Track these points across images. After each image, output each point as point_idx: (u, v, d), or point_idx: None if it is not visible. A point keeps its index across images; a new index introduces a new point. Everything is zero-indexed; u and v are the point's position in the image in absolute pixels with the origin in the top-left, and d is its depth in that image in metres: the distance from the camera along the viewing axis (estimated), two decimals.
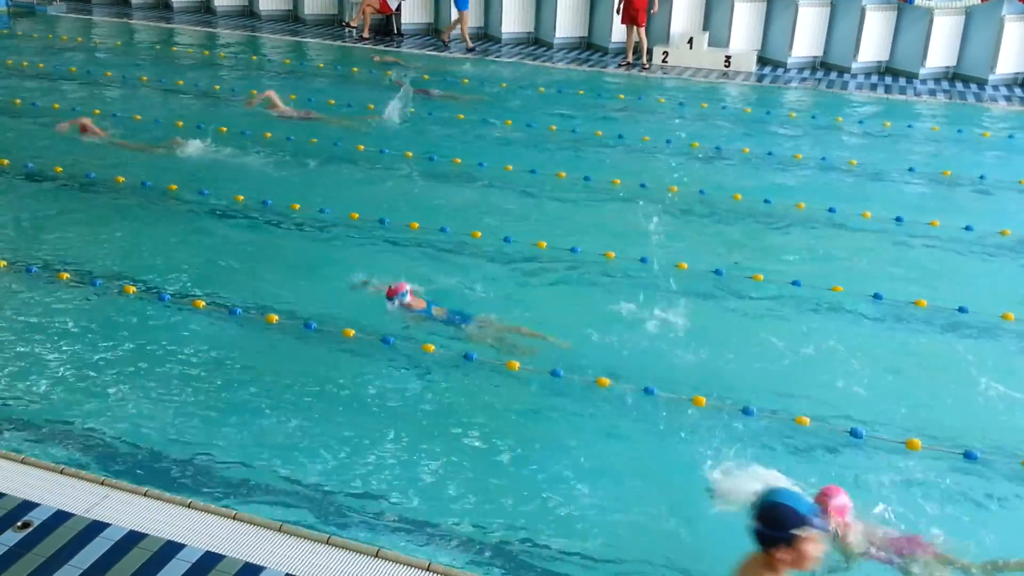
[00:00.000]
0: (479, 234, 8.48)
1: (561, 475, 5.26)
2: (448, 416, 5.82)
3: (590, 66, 15.69)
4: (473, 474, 5.26)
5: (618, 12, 15.55)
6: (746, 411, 5.90)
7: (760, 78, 15.17)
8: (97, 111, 11.75)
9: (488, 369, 6.33)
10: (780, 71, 15.61)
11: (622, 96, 13.83)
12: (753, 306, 7.46)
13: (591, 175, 10.15)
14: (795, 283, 7.67)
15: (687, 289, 7.58)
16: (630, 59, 15.63)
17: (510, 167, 10.32)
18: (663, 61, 15.80)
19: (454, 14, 16.67)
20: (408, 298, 6.82)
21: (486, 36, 17.65)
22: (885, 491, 5.19)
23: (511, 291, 7.57)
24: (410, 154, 10.67)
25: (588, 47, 16.97)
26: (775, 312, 7.35)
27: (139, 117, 11.67)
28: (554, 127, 12.00)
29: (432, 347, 6.48)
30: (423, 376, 6.26)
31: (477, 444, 5.55)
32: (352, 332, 6.64)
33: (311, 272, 7.76)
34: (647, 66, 15.42)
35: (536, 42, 17.34)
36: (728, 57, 15.60)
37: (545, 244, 8.30)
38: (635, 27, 15.30)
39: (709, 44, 15.96)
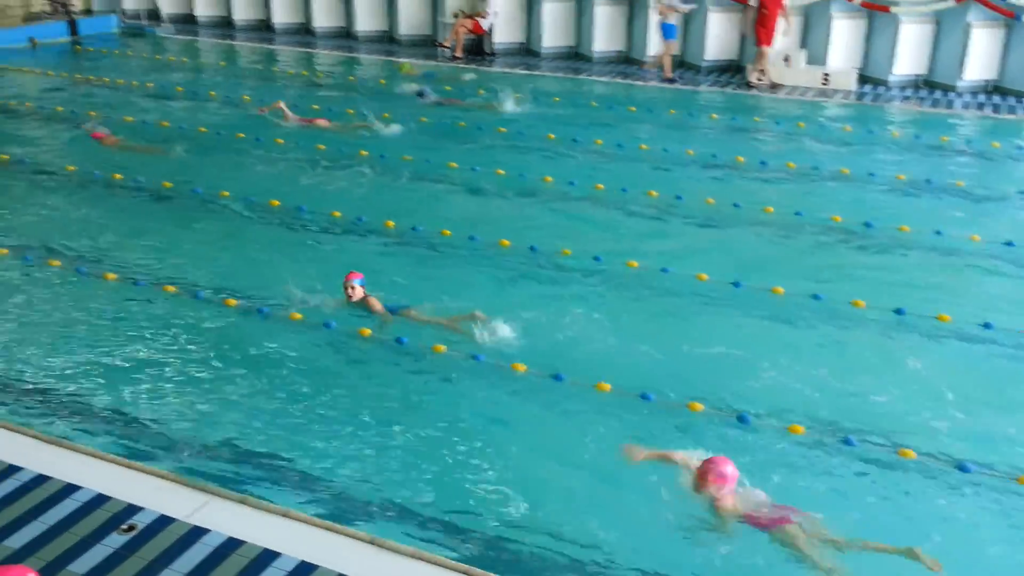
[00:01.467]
0: (569, 251, 8.45)
1: None
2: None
3: (682, 84, 15.54)
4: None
5: (750, 33, 15.15)
6: (847, 441, 5.72)
7: (860, 96, 14.76)
8: (203, 128, 12.20)
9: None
10: (881, 89, 15.15)
11: (715, 116, 13.65)
12: (853, 335, 7.22)
13: (683, 195, 10.02)
14: (899, 311, 7.40)
15: (780, 315, 7.41)
16: (764, 80, 15.29)
17: (601, 186, 10.28)
18: (758, 80, 15.54)
19: (660, 44, 15.92)
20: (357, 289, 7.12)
21: (577, 55, 17.68)
22: None
23: (611, 310, 7.52)
24: (501, 172, 10.74)
25: (682, 64, 16.83)
26: (878, 343, 7.10)
27: (242, 135, 12.05)
28: (645, 146, 11.92)
29: (523, 367, 6.47)
30: (506, 394, 6.25)
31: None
32: (443, 348, 6.69)
33: (412, 291, 7.84)
34: (763, 84, 15.18)
35: (626, 60, 17.29)
36: (826, 75, 15.23)
37: (637, 264, 8.22)
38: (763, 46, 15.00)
39: (807, 62, 15.62)
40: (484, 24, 17.59)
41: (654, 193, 10.07)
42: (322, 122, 12.63)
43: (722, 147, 11.91)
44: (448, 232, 8.85)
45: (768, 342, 7.02)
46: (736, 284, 7.83)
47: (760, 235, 9.16)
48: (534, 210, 9.79)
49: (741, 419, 5.94)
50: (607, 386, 6.26)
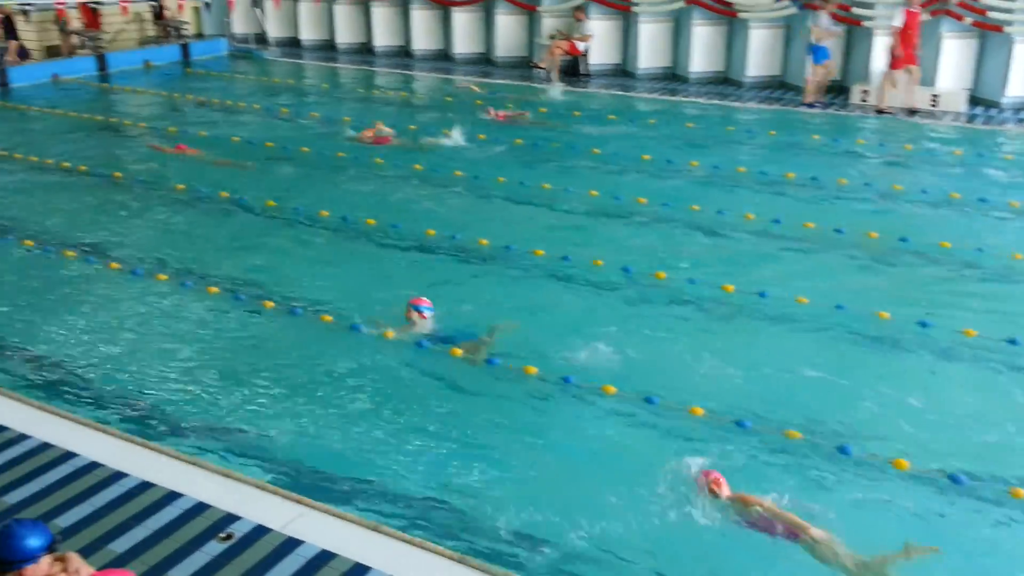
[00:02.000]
0: (663, 274, 8.35)
1: None
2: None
3: (782, 105, 15.25)
4: None
5: (894, 56, 14.28)
6: (955, 479, 5.45)
7: (971, 119, 14.18)
8: (305, 149, 12.57)
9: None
10: (994, 111, 14.53)
11: (817, 137, 13.32)
12: (962, 366, 6.90)
13: (781, 218, 9.79)
14: (1012, 341, 7.03)
15: (885, 342, 7.15)
16: (904, 105, 14.60)
17: (696, 207, 10.13)
18: (862, 100, 15.12)
19: (811, 68, 15.20)
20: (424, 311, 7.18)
21: (675, 77, 17.55)
22: None
23: (706, 334, 7.38)
24: (595, 192, 10.70)
25: (781, 86, 16.52)
26: (989, 375, 6.76)
27: (341, 155, 12.35)
28: (742, 168, 11.72)
29: (614, 389, 6.39)
30: (596, 417, 6.18)
31: None
32: (535, 370, 6.67)
33: (503, 310, 7.87)
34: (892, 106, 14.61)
35: (724, 80, 17.08)
36: (935, 96, 14.70)
37: (732, 288, 8.05)
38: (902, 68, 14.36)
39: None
40: (580, 45, 17.66)
41: (751, 216, 9.87)
42: (388, 138, 12.97)
43: (823, 169, 11.60)
44: (541, 252, 8.86)
45: (872, 370, 6.78)
46: (839, 308, 7.58)
47: (863, 260, 8.86)
48: (627, 231, 9.71)
49: (842, 450, 5.72)
50: (700, 411, 6.13)
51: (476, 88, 16.42)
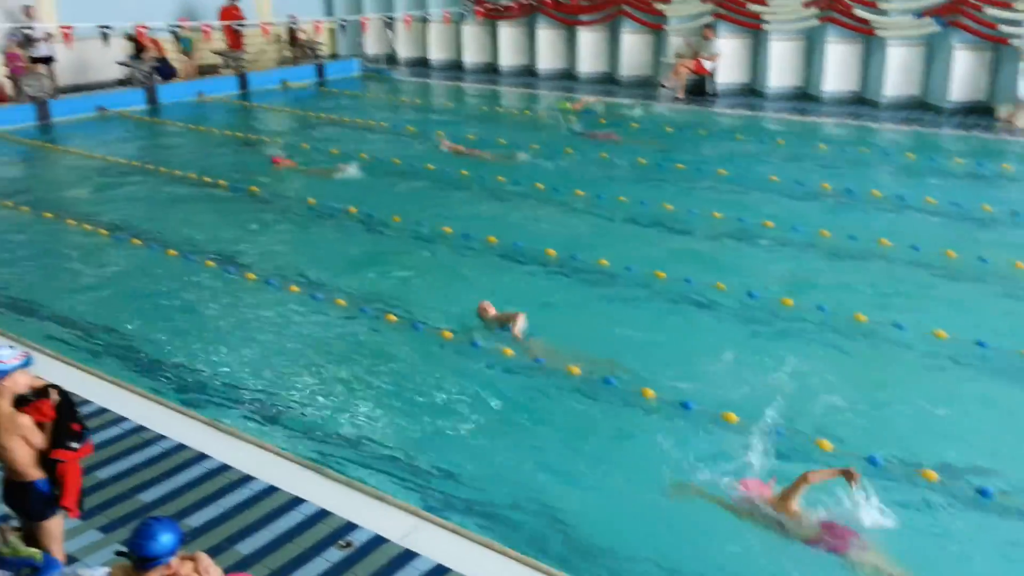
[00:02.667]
0: (791, 300, 8.07)
1: None
2: None
3: (921, 126, 14.59)
4: None
5: None
6: None
7: None
8: (430, 166, 12.83)
9: None
10: None
11: (959, 160, 12.67)
12: None
13: (920, 245, 9.32)
14: None
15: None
16: None
17: (827, 233, 9.76)
18: (1007, 121, 14.29)
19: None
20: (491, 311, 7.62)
21: (805, 96, 17.07)
22: None
23: (836, 364, 7.09)
24: (719, 215, 10.48)
25: (920, 106, 15.82)
26: None
27: (465, 173, 12.53)
28: (878, 192, 11.24)
29: (735, 417, 6.20)
30: (725, 448, 5.99)
31: None
32: (651, 392, 6.55)
33: (623, 334, 7.78)
34: None
35: (859, 100, 16.48)
36: None
37: (865, 317, 7.71)
38: None
39: None
40: (707, 64, 17.41)
41: (886, 242, 9.44)
42: (478, 152, 13.38)
43: (966, 195, 11.00)
44: (662, 274, 8.72)
45: (1014, 410, 6.35)
46: (981, 344, 7.14)
47: (1010, 292, 8.34)
48: (752, 254, 9.46)
49: (983, 493, 5.37)
50: (828, 444, 5.87)
51: (574, 106, 16.44)
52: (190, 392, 6.79)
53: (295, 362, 7.25)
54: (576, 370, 6.91)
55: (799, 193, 11.42)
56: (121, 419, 6.02)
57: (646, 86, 18.58)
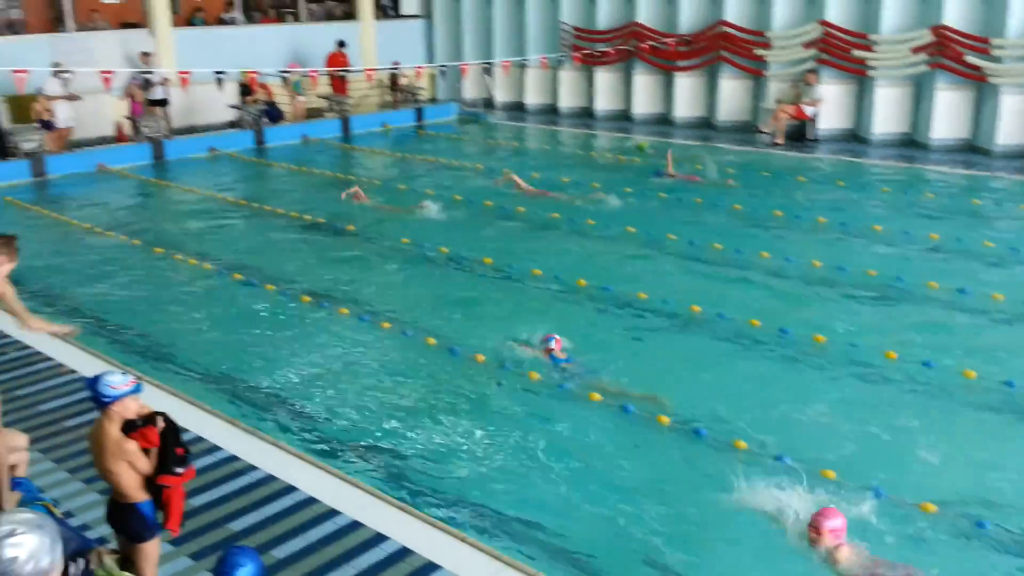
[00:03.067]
0: (894, 354, 7.74)
1: None
2: None
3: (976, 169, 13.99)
4: None
5: None
6: None
7: None
8: (521, 208, 12.90)
9: None
10: None
11: None
12: None
13: (967, 286, 9.03)
14: None
15: None
16: None
17: (935, 284, 9.35)
18: None
19: None
20: (554, 344, 7.73)
21: (912, 143, 16.56)
22: None
23: (939, 423, 6.74)
24: (818, 263, 10.18)
25: (973, 149, 15.24)
26: None
27: (556, 215, 12.55)
28: (990, 243, 10.75)
29: (833, 474, 5.92)
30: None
31: None
32: (744, 444, 6.34)
33: (717, 383, 7.60)
34: None
35: (970, 148, 15.88)
36: None
37: (975, 374, 7.33)
38: None
39: None
40: (808, 110, 17.10)
41: (999, 296, 9.00)
42: (555, 194, 13.58)
43: None
44: (757, 323, 8.50)
45: None
46: None
47: None
48: (852, 305, 9.12)
49: None
50: (932, 507, 5.55)
51: (646, 146, 16.58)
52: (281, 424, 6.91)
53: (382, 397, 7.31)
54: (665, 420, 6.76)
55: (905, 243, 11.01)
56: (215, 448, 6.16)
57: (744, 131, 18.36)
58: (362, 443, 6.62)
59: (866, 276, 9.73)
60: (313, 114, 20.41)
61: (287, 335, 8.64)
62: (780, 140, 17.08)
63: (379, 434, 6.75)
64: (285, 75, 17.87)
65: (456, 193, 13.89)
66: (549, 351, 7.74)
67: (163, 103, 17.63)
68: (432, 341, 8.34)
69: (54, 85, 15.78)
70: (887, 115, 16.72)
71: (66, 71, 15.44)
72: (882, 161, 15.57)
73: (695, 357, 8.05)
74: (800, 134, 17.41)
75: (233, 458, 6.06)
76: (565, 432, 6.69)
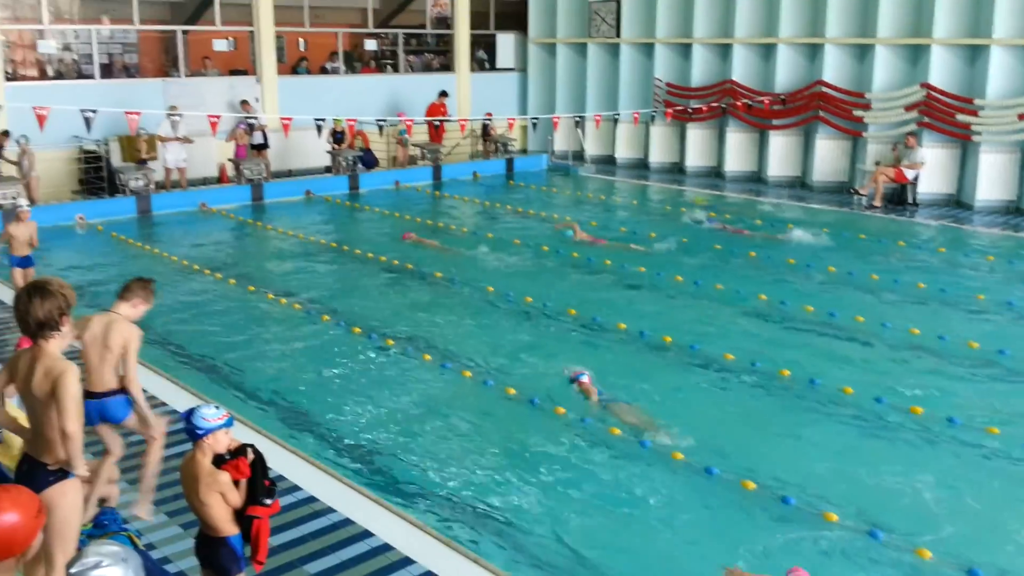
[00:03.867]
0: (996, 430, 7.34)
1: None
2: None
3: None
4: None
5: None
6: None
7: None
8: (608, 261, 12.83)
9: None
10: None
11: None
12: None
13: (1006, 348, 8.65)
14: None
15: None
16: None
17: (975, 344, 8.92)
18: None
19: None
20: (585, 378, 8.09)
21: (1019, 211, 15.91)
22: None
23: (970, 484, 6.35)
24: (916, 331, 9.79)
25: None
26: None
27: (642, 268, 12.42)
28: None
29: (928, 554, 5.60)
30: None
31: None
32: (835, 517, 6.05)
33: (748, 434, 7.33)
34: None
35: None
36: None
37: (998, 430, 6.99)
38: None
39: None
40: (909, 173, 16.65)
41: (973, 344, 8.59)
42: (602, 241, 14.03)
43: None
44: (850, 390, 8.19)
45: None
46: None
47: None
48: (951, 376, 8.69)
49: None
50: None
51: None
52: (361, 467, 6.92)
53: (465, 447, 7.27)
54: (751, 485, 6.53)
55: (1010, 314, 10.52)
56: (295, 488, 6.20)
57: (839, 192, 17.97)
58: (440, 492, 6.57)
59: (967, 347, 9.30)
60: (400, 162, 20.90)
61: (371, 378, 8.71)
62: (878, 203, 16.65)
63: (458, 484, 6.69)
64: (382, 123, 18.34)
65: (543, 244, 13.93)
66: (581, 384, 8.07)
67: (264, 147, 18.30)
68: (512, 391, 8.29)
69: (167, 127, 16.58)
70: (991, 181, 16.16)
71: (176, 114, 16.20)
72: (986, 228, 14.99)
73: (784, 423, 7.79)
74: (899, 197, 16.95)
75: (312, 499, 6.08)
76: (650, 491, 6.52)
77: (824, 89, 18.02)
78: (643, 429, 7.44)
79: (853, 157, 18.21)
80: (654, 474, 6.79)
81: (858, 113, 17.57)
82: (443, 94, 21.01)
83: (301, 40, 21.17)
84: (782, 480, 6.62)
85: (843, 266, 12.49)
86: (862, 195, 17.07)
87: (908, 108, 16.94)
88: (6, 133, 14.97)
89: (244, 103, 18.51)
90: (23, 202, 10.68)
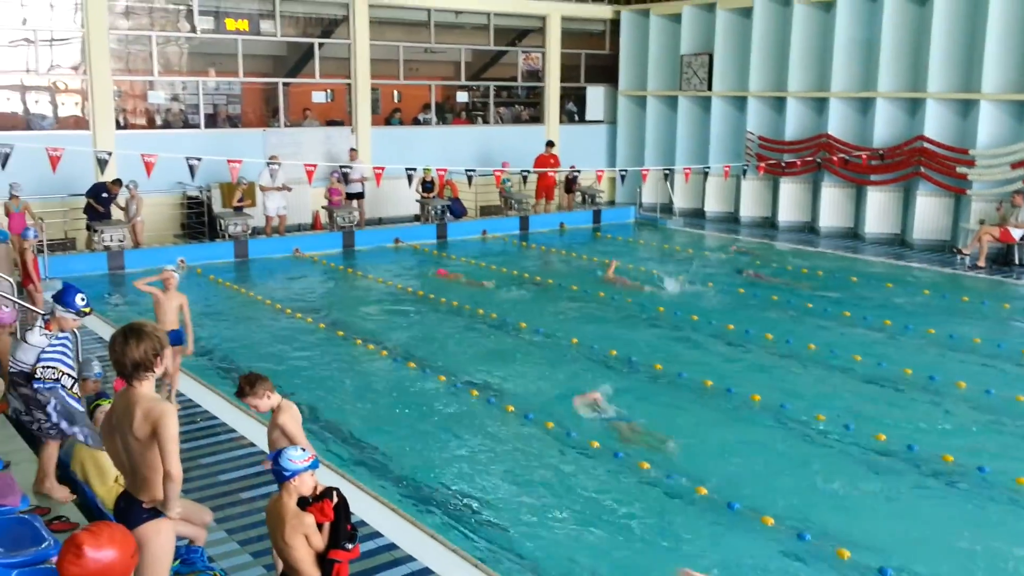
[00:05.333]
0: (951, 457, 6.84)
1: None
2: None
3: None
4: None
5: None
6: None
7: None
8: (695, 316, 12.60)
9: None
10: None
11: None
12: None
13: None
14: None
15: None
16: None
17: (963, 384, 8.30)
18: None
19: None
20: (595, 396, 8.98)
21: None
22: None
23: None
24: (911, 371, 9.29)
25: None
26: None
27: (731, 327, 12.15)
28: None
29: None
30: None
31: None
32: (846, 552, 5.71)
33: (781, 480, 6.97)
34: None
35: None
36: None
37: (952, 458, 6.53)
38: None
39: None
40: (1015, 232, 15.94)
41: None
42: (625, 280, 14.71)
43: None
44: (950, 458, 7.77)
45: None
46: None
47: None
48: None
49: None
50: None
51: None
52: (444, 517, 6.86)
53: (548, 504, 7.13)
54: (846, 554, 6.21)
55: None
56: (376, 535, 6.16)
57: (940, 251, 17.33)
58: (519, 552, 6.43)
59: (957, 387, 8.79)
60: (493, 211, 21.09)
61: (452, 427, 8.68)
62: (982, 263, 15.96)
63: (543, 542, 6.54)
64: (471, 173, 18.58)
65: (627, 296, 13.79)
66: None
67: (359, 196, 18.75)
68: (596, 444, 8.14)
69: (267, 177, 17.17)
70: None
71: (275, 163, 16.75)
72: None
73: (879, 490, 7.42)
74: (1005, 258, 16.22)
75: (392, 546, 6.03)
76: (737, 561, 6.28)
77: (925, 144, 17.51)
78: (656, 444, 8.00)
79: (956, 215, 17.57)
80: (740, 540, 6.53)
81: (961, 170, 16.99)
82: (550, 144, 21.24)
83: (395, 92, 21.76)
84: (879, 549, 6.27)
85: (944, 328, 11.96)
86: (965, 255, 16.41)
87: (1015, 166, 16.29)
88: (118, 182, 15.70)
89: (352, 151, 19.05)
90: (171, 267, 8.95)
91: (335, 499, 4.44)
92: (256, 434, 7.90)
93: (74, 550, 3.15)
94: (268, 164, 16.94)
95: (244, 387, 5.52)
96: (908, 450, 8.02)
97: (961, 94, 17.29)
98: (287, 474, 4.36)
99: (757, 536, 6.58)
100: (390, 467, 7.80)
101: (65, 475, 6.51)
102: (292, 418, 5.50)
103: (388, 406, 9.29)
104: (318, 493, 4.48)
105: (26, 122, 16.84)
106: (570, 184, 21.75)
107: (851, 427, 8.54)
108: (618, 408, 8.92)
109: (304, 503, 4.41)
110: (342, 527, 4.41)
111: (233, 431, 8.09)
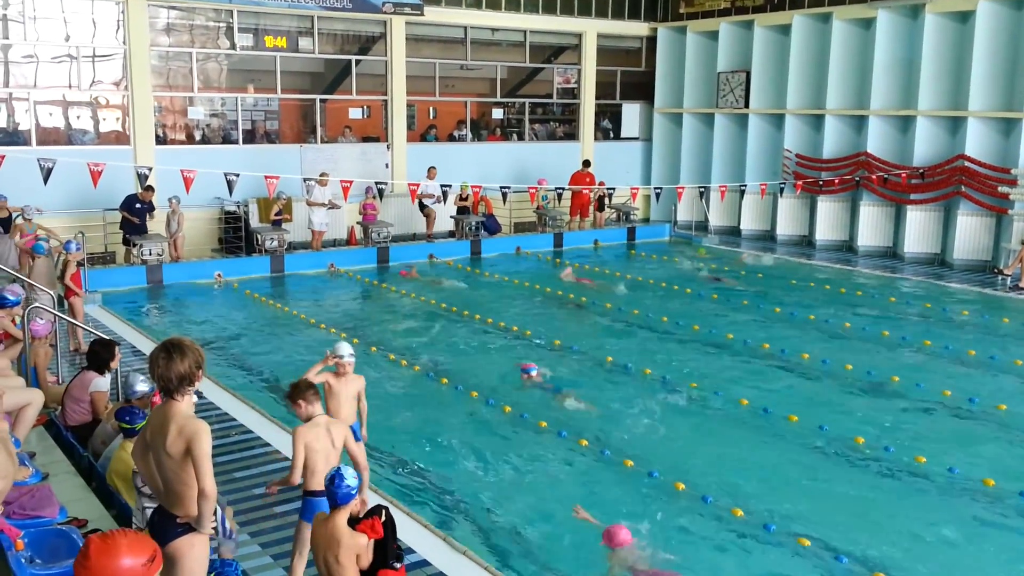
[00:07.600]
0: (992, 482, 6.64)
1: None
2: None
3: None
4: None
5: None
6: None
7: None
8: (730, 335, 12.47)
9: None
10: None
11: None
12: None
13: None
14: None
15: None
16: None
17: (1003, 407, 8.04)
18: None
19: None
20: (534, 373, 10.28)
21: None
22: None
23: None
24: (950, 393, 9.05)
25: None
26: None
27: (766, 346, 12.02)
28: None
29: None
30: None
31: None
32: None
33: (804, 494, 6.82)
34: None
35: None
36: None
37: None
38: None
39: None
40: None
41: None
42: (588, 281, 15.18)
43: None
44: (991, 482, 7.62)
45: None
46: None
47: None
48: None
49: None
50: None
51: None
52: (486, 542, 6.76)
53: (574, 522, 7.07)
54: (806, 542, 6.11)
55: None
56: (424, 563, 6.02)
57: (981, 271, 17.03)
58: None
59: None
60: (527, 227, 21.10)
61: (488, 445, 8.64)
62: (1023, 284, 15.66)
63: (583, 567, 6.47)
64: (506, 190, 18.64)
65: (663, 315, 13.70)
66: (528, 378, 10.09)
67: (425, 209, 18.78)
68: (630, 463, 8.07)
69: (318, 193, 17.33)
70: None
71: (320, 179, 16.93)
72: None
73: (921, 515, 7.27)
74: None
75: (424, 563, 5.99)
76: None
77: (967, 163, 17.25)
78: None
79: (997, 235, 17.27)
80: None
81: (1003, 189, 16.70)
82: (586, 163, 21.25)
83: (431, 108, 21.90)
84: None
85: (984, 350, 11.73)
86: (1006, 275, 16.12)
87: None
88: (150, 188, 15.78)
89: (431, 169, 19.08)
90: (345, 349, 7.08)
91: (383, 517, 4.43)
92: (290, 448, 7.90)
93: (82, 552, 3.18)
94: (314, 180, 17.20)
95: (295, 392, 5.71)
96: (949, 472, 7.86)
97: (1003, 112, 17.03)
98: (348, 496, 4.36)
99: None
100: (426, 484, 7.78)
101: (101, 487, 6.58)
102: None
103: (420, 421, 9.27)
104: (366, 511, 4.49)
105: (68, 137, 17.17)
106: (601, 202, 21.70)
107: (891, 449, 8.38)
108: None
109: (353, 521, 4.40)
110: (390, 545, 4.40)
111: (268, 444, 8.13)
